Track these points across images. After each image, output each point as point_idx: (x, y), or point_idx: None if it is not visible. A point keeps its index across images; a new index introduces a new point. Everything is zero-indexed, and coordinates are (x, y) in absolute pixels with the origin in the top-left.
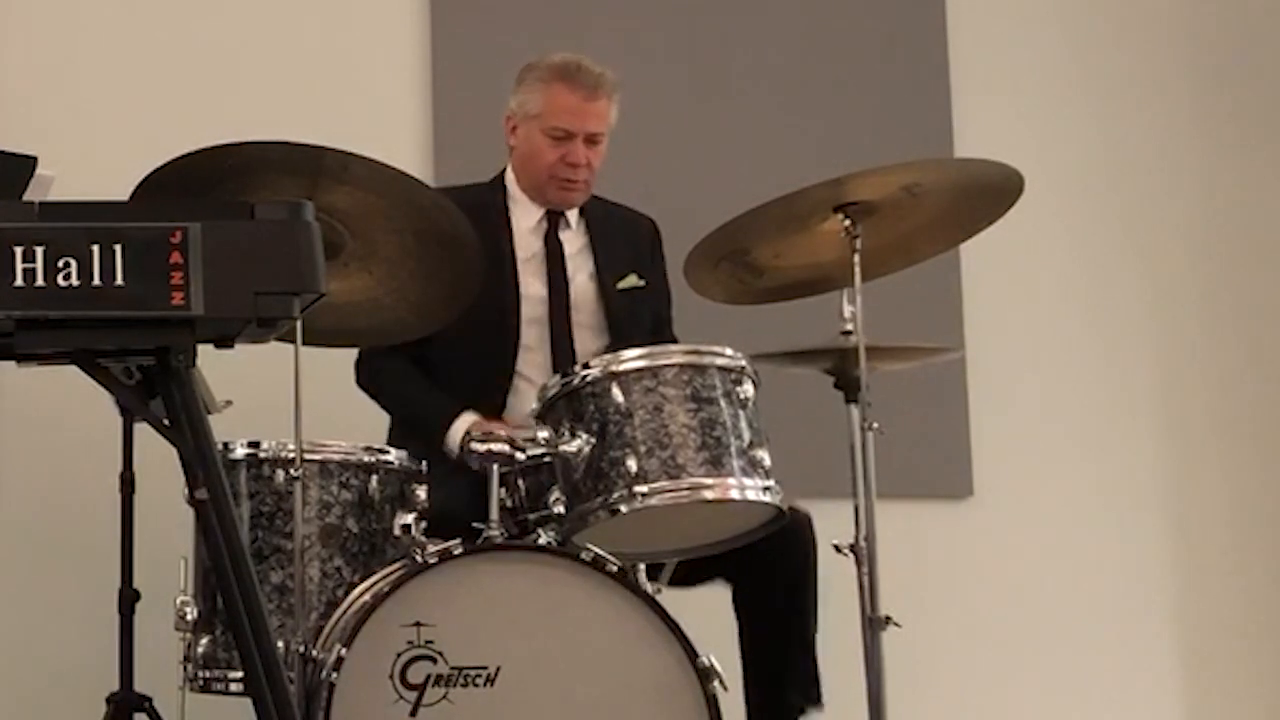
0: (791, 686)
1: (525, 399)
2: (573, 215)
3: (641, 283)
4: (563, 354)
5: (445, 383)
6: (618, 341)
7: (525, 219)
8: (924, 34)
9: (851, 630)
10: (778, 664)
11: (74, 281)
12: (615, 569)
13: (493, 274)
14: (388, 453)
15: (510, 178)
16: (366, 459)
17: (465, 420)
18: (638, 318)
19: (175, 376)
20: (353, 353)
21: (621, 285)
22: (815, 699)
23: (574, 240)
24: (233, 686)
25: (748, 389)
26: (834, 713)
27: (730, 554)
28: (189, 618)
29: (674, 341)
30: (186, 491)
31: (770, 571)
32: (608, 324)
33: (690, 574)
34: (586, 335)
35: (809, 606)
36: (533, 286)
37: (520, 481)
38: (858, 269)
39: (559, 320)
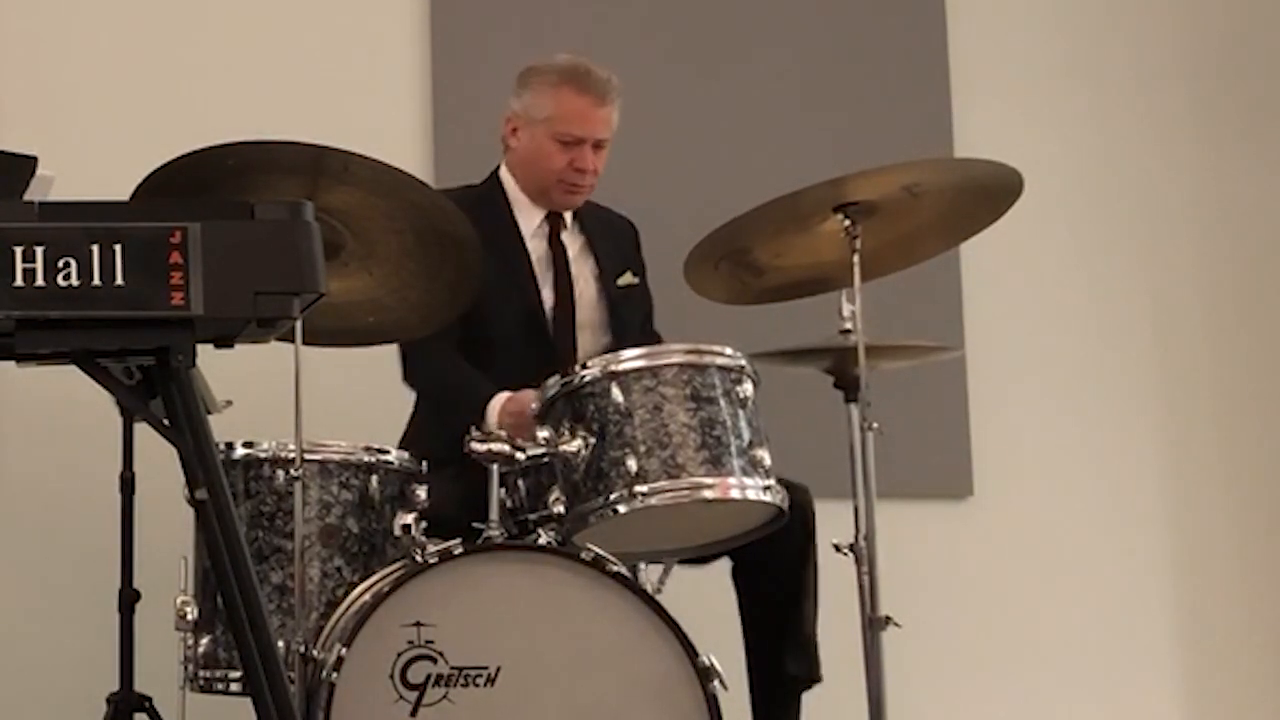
0: (793, 658)
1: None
2: (568, 215)
3: (635, 280)
4: (565, 356)
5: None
6: (617, 339)
7: (529, 222)
8: (924, 34)
9: (851, 630)
10: (780, 636)
11: (74, 281)
12: (615, 569)
13: (508, 279)
14: (388, 453)
15: (508, 179)
16: (366, 459)
17: (499, 399)
18: (634, 315)
19: (175, 376)
20: (353, 353)
21: (621, 282)
22: (814, 672)
23: (573, 241)
24: (233, 686)
25: (747, 388)
26: (834, 713)
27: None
28: (189, 618)
29: (657, 339)
30: (186, 491)
31: (771, 543)
32: (610, 322)
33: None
34: (589, 335)
35: (809, 575)
36: (543, 290)
37: (520, 481)
38: (858, 269)
39: (563, 323)
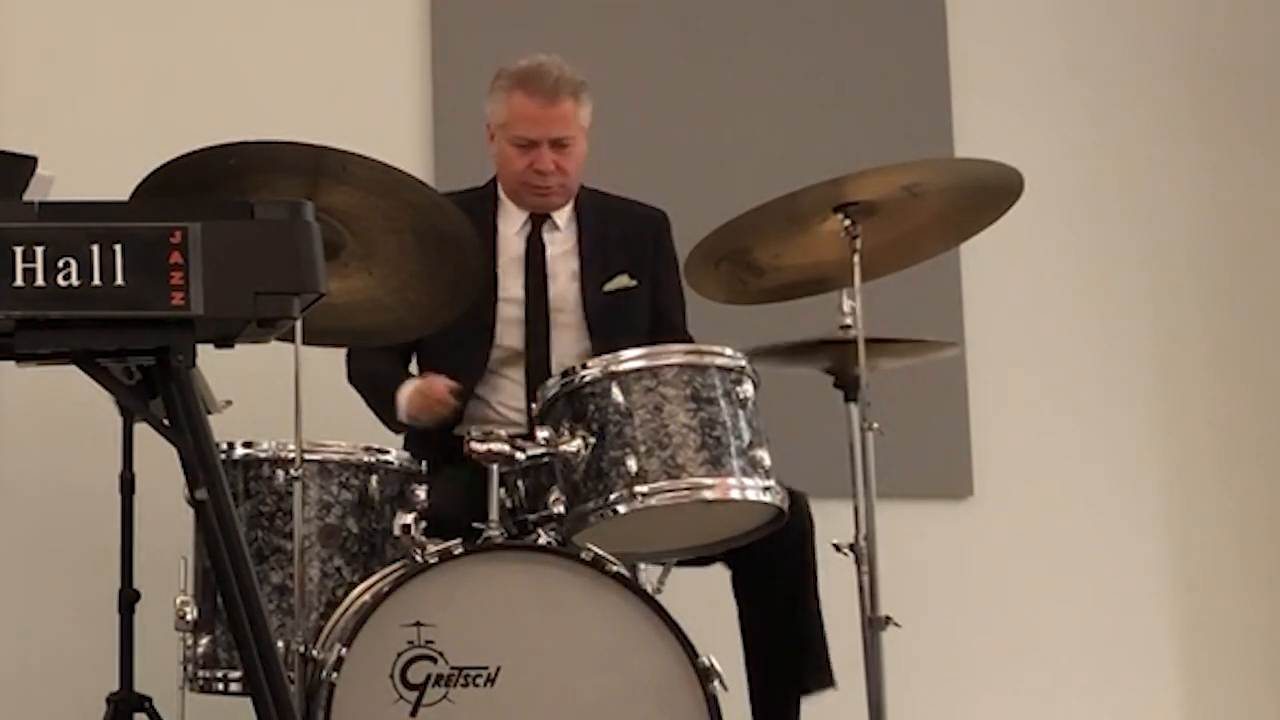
0: (796, 669)
1: (503, 394)
2: (564, 215)
3: (633, 283)
4: (538, 355)
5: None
6: (600, 343)
7: (510, 222)
8: (924, 34)
9: (851, 630)
10: (779, 647)
11: (74, 281)
12: (615, 569)
13: None
14: (388, 453)
15: (500, 182)
16: (366, 459)
17: (409, 385)
18: (627, 319)
19: (175, 376)
20: None
21: (609, 287)
22: (827, 680)
23: (560, 242)
24: (233, 686)
25: (747, 389)
26: (834, 713)
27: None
28: (189, 618)
29: (689, 341)
30: (186, 491)
31: (769, 554)
32: (590, 326)
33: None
34: (569, 336)
35: (810, 586)
36: (511, 289)
37: (520, 482)
38: (858, 269)
39: (535, 321)
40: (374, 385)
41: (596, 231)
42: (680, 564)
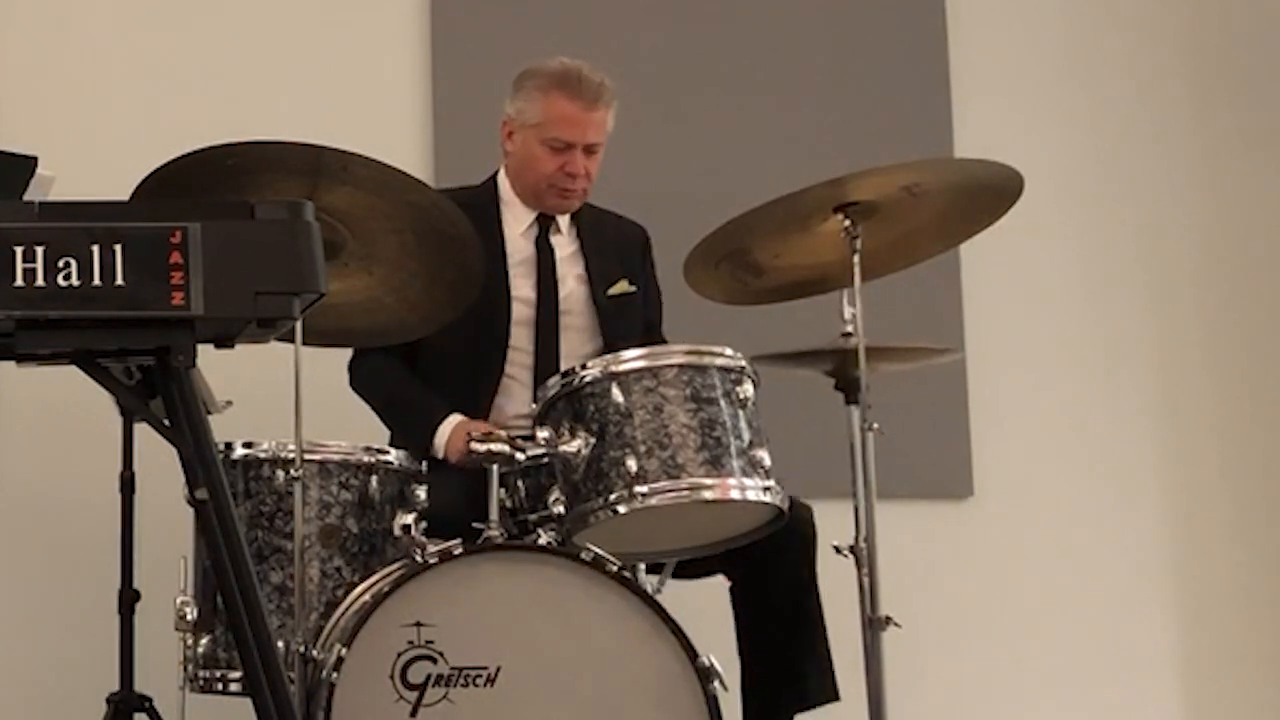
0: (798, 681)
1: (513, 399)
2: (564, 221)
3: (633, 289)
4: (547, 357)
5: (435, 383)
6: (609, 346)
7: (517, 223)
8: (924, 34)
9: (851, 630)
10: (776, 661)
11: (74, 281)
12: (615, 569)
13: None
14: (388, 453)
15: (504, 181)
16: (366, 459)
17: (451, 422)
18: (629, 323)
19: (175, 376)
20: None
21: (613, 291)
22: (831, 692)
23: (565, 245)
24: (233, 686)
25: (748, 389)
26: (834, 713)
27: (730, 549)
28: (189, 618)
29: (663, 344)
30: (186, 491)
31: (770, 567)
32: (600, 328)
33: (690, 568)
34: (577, 339)
35: (813, 596)
36: (522, 290)
37: (520, 482)
38: (858, 269)
39: (546, 323)
40: (410, 414)
41: (596, 237)
42: (678, 576)
